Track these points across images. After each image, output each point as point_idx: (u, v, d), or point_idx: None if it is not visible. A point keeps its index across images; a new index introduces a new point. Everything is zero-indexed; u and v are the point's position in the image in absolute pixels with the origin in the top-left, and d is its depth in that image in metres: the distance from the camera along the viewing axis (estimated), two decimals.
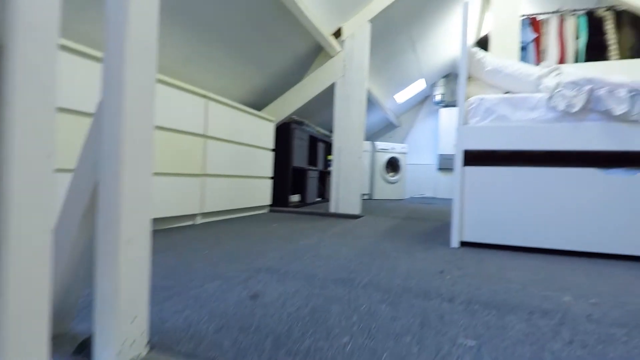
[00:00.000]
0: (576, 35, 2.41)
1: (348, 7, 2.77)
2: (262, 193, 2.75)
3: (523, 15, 2.55)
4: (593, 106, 1.33)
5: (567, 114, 1.37)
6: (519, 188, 1.44)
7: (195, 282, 0.96)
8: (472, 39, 5.08)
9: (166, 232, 1.71)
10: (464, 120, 1.52)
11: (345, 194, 2.82)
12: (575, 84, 1.35)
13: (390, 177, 5.52)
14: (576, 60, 2.38)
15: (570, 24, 2.42)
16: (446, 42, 4.63)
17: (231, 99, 2.89)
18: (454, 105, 5.94)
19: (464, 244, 1.56)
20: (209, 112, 2.07)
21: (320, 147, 4.17)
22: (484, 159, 1.53)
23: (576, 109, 1.33)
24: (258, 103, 3.19)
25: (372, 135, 6.64)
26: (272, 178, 2.91)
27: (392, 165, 5.70)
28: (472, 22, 4.56)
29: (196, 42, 2.12)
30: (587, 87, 1.33)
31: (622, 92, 1.28)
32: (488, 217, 1.48)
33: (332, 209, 2.85)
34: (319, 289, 0.89)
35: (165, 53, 2.06)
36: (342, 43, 2.89)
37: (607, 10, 2.42)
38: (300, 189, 3.58)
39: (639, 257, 1.34)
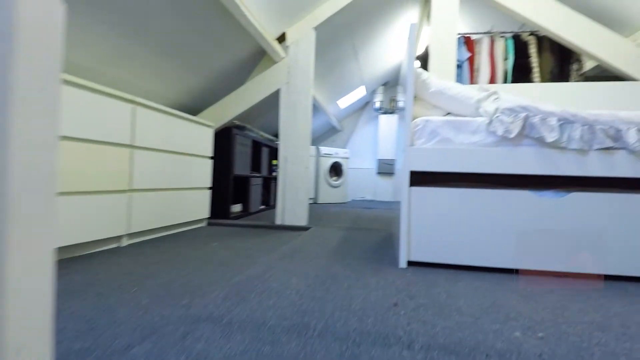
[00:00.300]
0: (505, 57, 2.61)
1: (292, 12, 2.68)
2: (199, 205, 2.54)
3: (459, 34, 2.69)
4: (528, 132, 1.41)
5: (505, 139, 1.44)
6: (462, 209, 1.49)
7: (120, 342, 0.80)
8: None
9: (85, 261, 1.47)
10: (410, 142, 1.52)
11: (291, 204, 2.74)
12: (512, 111, 1.43)
13: (334, 181, 5.57)
14: (505, 80, 2.58)
15: (500, 45, 2.61)
16: (386, 52, 4.77)
17: (164, 102, 2.63)
18: (392, 113, 6.18)
19: (411, 263, 1.57)
20: (137, 119, 1.84)
21: (265, 152, 4.03)
22: (429, 179, 1.55)
23: (513, 134, 1.40)
24: (195, 107, 2.95)
25: (316, 139, 6.65)
26: (210, 188, 2.71)
27: (336, 169, 5.75)
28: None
29: (123, 38, 1.87)
30: (523, 115, 1.41)
31: (553, 121, 1.37)
32: (433, 237, 1.51)
33: (278, 220, 2.74)
34: (269, 345, 0.79)
35: (84, 51, 1.78)
36: (286, 49, 2.79)
37: (530, 34, 2.66)
38: (243, 197, 3.41)
39: (567, 274, 1.46)
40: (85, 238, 1.54)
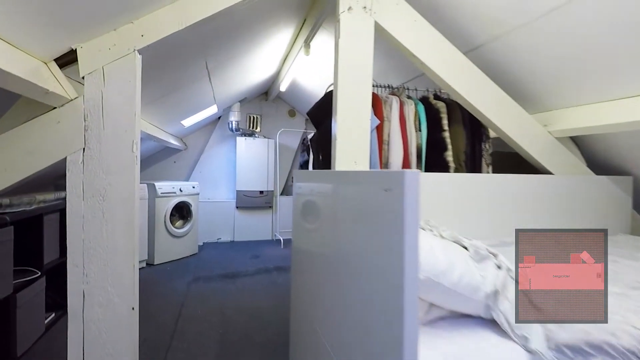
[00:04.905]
0: (417, 127, 2.05)
1: (89, 12, 1.38)
2: None
3: None
4: None
5: None
6: None
7: None
8: (284, 85, 4.33)
9: None
10: None
11: (102, 351, 1.47)
12: (574, 351, 0.74)
13: (178, 228, 4.20)
14: (418, 158, 2.01)
15: (410, 111, 2.03)
16: (244, 71, 3.75)
17: None
18: (251, 135, 5.19)
19: None
20: None
21: (51, 221, 2.44)
22: None
23: None
24: None
25: (147, 163, 4.96)
26: None
27: (180, 212, 4.38)
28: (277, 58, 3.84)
29: None
30: None
31: None
32: None
33: None
34: None
35: None
36: (77, 83, 1.47)
37: (436, 98, 2.17)
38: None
39: None
40: None
